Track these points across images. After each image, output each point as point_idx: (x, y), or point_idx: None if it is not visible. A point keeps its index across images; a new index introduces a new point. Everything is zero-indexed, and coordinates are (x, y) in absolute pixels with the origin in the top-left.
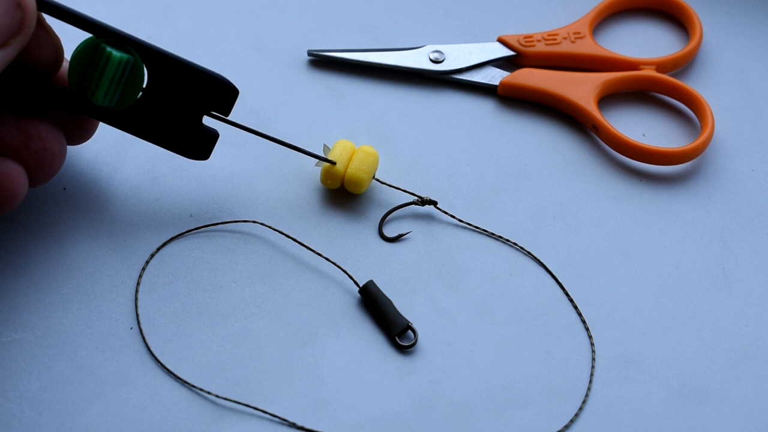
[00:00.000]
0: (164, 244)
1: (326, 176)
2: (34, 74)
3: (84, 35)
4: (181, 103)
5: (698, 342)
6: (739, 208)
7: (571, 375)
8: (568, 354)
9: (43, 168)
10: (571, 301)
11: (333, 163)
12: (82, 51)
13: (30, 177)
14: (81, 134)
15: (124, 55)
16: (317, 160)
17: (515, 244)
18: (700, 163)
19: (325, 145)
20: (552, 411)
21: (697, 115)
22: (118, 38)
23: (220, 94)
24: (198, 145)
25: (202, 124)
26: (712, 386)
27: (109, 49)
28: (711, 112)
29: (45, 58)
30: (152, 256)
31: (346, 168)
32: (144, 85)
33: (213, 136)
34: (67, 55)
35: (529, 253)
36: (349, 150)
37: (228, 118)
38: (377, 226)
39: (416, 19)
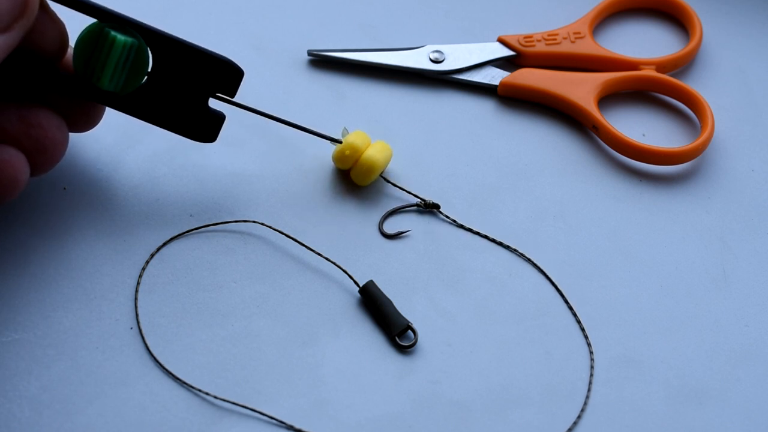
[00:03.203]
0: (164, 244)
1: (340, 155)
2: (39, 61)
3: (87, 21)
4: (186, 86)
5: (698, 342)
6: (739, 208)
7: (570, 375)
8: (567, 354)
9: (44, 156)
10: (567, 302)
11: (339, 142)
12: (86, 36)
13: (31, 165)
14: (87, 121)
15: (129, 39)
16: (330, 142)
17: (515, 250)
18: (700, 163)
19: (344, 128)
20: (552, 411)
21: (697, 115)
22: (121, 22)
23: (225, 76)
24: (205, 127)
25: (208, 106)
26: (712, 386)
27: (113, 33)
28: (711, 112)
29: (50, 44)
30: (152, 256)
31: (363, 152)
32: (149, 69)
33: (219, 117)
34: (72, 41)
35: (528, 259)
36: (366, 139)
37: (234, 99)
38: (377, 225)
39: (416, 19)
